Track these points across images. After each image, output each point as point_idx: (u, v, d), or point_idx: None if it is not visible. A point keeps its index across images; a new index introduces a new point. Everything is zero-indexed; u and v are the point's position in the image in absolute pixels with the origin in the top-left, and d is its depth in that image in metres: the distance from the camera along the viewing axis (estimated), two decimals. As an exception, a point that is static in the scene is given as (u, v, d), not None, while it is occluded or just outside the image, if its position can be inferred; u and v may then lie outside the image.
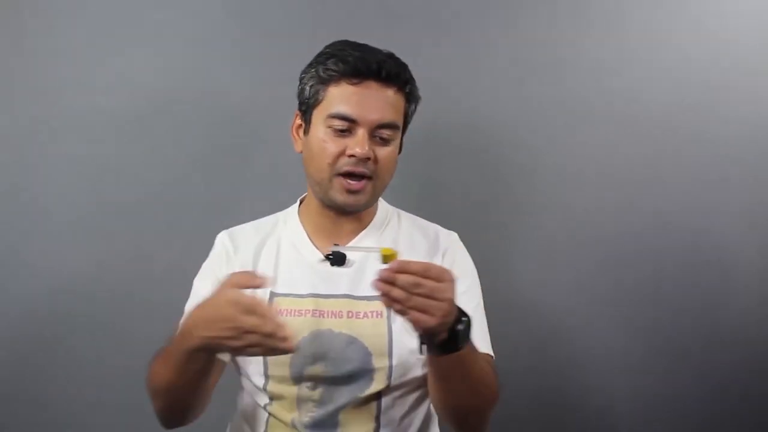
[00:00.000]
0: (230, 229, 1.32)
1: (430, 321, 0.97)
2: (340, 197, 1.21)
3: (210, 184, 1.68)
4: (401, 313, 0.98)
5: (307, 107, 1.24)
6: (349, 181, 1.19)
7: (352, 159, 1.18)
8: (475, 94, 1.69)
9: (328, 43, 1.25)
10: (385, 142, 1.21)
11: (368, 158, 1.18)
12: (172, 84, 1.68)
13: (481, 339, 1.21)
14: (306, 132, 1.25)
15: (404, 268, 0.96)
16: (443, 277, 0.98)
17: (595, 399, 1.72)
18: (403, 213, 1.35)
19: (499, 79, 1.69)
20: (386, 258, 1.01)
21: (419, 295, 0.96)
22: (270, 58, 1.67)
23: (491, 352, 1.24)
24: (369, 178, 1.20)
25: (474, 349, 1.10)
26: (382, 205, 1.34)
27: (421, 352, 1.07)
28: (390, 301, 0.97)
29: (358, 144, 1.18)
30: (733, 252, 1.71)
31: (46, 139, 1.67)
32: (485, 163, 1.70)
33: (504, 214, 1.70)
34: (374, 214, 1.31)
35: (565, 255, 1.70)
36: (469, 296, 1.24)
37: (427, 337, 1.02)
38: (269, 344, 0.95)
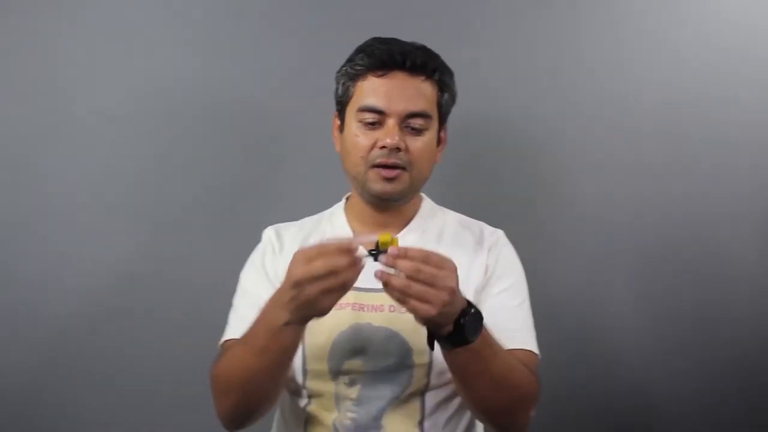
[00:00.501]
0: (276, 225, 1.33)
1: (429, 310, 0.96)
2: (376, 186, 1.20)
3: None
4: (401, 302, 0.97)
5: (341, 106, 1.26)
6: (382, 170, 1.19)
7: (384, 150, 1.19)
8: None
9: (357, 43, 1.26)
10: (417, 132, 1.20)
11: (398, 148, 1.18)
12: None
13: (524, 336, 1.20)
14: (342, 130, 1.26)
15: (405, 254, 0.96)
16: (443, 265, 0.97)
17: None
18: (447, 210, 1.34)
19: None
20: (384, 245, 0.99)
21: (419, 281, 0.95)
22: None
23: (536, 350, 1.21)
24: (403, 169, 1.19)
25: (492, 344, 1.07)
26: (427, 202, 1.33)
27: (431, 347, 1.07)
28: (390, 289, 0.97)
29: (388, 135, 1.18)
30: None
31: (55, 140, 1.68)
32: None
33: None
34: (418, 210, 1.29)
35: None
36: (512, 293, 1.23)
37: (433, 329, 1.02)
38: (350, 274, 0.96)
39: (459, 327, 1.01)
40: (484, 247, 1.27)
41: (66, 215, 1.67)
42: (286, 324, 1.01)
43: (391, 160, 1.18)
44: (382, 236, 1.00)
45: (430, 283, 0.95)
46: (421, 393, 1.20)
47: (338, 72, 1.26)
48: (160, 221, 1.69)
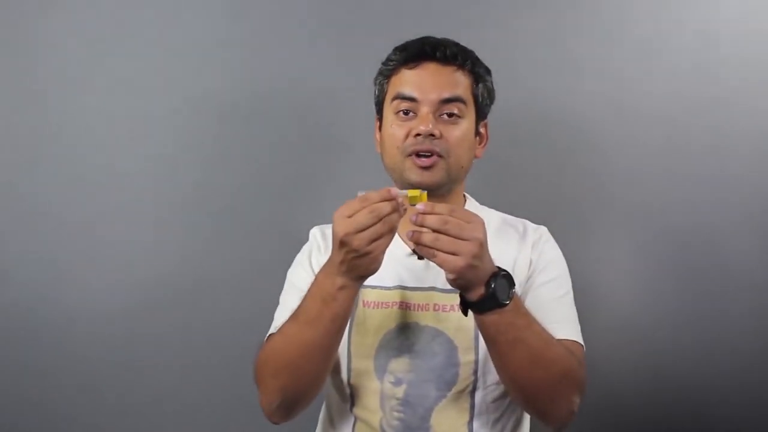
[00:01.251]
0: (320, 226, 1.34)
1: (458, 261, 0.98)
2: (413, 176, 1.19)
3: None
4: (430, 255, 0.99)
5: (379, 106, 1.27)
6: (417, 159, 1.19)
7: (418, 138, 1.18)
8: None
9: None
10: (452, 119, 1.20)
11: (433, 135, 1.18)
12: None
13: (569, 327, 1.20)
14: (381, 129, 1.27)
15: (432, 210, 0.99)
16: (470, 218, 1.00)
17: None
18: (491, 209, 1.34)
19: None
20: (413, 199, 1.02)
21: (446, 234, 0.98)
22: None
23: (580, 340, 1.20)
24: (439, 156, 1.19)
25: (526, 314, 1.07)
26: (471, 201, 1.33)
27: (465, 313, 1.07)
28: (420, 246, 0.99)
29: (422, 122, 1.18)
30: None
31: (52, 140, 1.69)
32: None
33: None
34: (462, 207, 1.28)
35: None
36: (555, 285, 1.23)
37: (465, 292, 1.03)
38: (394, 218, 0.99)
39: (489, 289, 1.02)
40: (528, 242, 1.26)
41: (65, 215, 1.69)
42: (341, 288, 1.03)
43: (426, 147, 1.18)
44: (411, 191, 1.02)
45: (456, 235, 0.98)
46: (469, 392, 1.19)
47: (377, 74, 1.28)
48: (164, 221, 1.70)
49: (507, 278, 1.04)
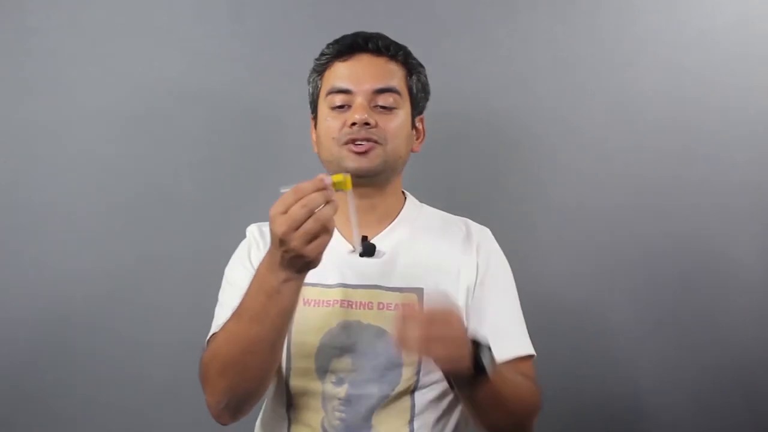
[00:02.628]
0: (258, 223, 1.31)
1: (458, 350, 0.99)
2: (350, 162, 1.19)
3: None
4: (425, 353, 0.99)
5: (314, 104, 1.26)
6: (354, 146, 1.18)
7: (354, 127, 1.18)
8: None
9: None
10: (387, 110, 1.21)
11: (368, 123, 1.17)
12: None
13: (521, 339, 1.21)
14: (316, 126, 1.26)
15: (410, 310, 1.01)
16: (449, 306, 1.03)
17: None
18: (430, 207, 1.33)
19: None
20: (337, 185, 1.00)
21: (436, 324, 0.98)
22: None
23: (532, 350, 1.21)
24: (376, 142, 1.18)
25: (500, 371, 1.07)
26: (411, 198, 1.32)
27: (453, 389, 1.09)
28: (413, 344, 0.98)
29: (356, 111, 1.18)
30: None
31: (55, 138, 1.68)
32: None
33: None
34: (402, 205, 1.29)
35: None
36: (506, 294, 1.24)
37: (455, 374, 1.04)
38: (327, 211, 0.96)
39: (480, 364, 1.02)
40: (473, 244, 1.25)
41: (64, 215, 1.67)
42: (285, 281, 1.00)
43: (362, 135, 1.17)
44: (335, 176, 1.00)
45: (446, 321, 0.99)
46: (411, 392, 1.18)
47: (309, 74, 1.27)
48: (156, 220, 1.68)
49: (488, 348, 1.04)
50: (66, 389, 1.66)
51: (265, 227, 1.28)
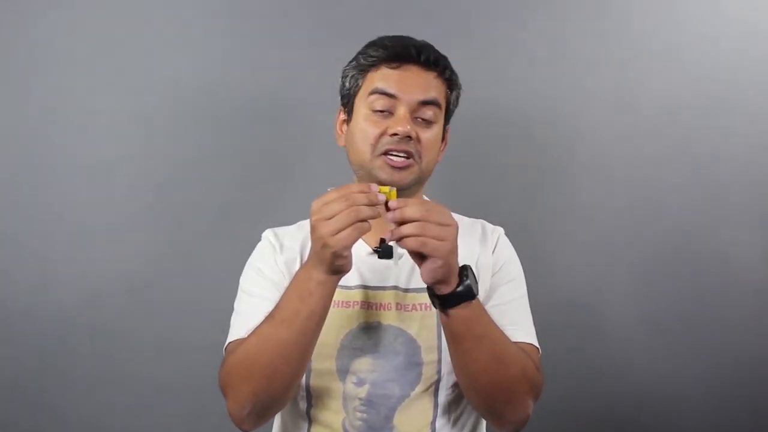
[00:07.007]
0: (273, 228, 1.30)
1: (446, 246, 1.00)
2: (384, 174, 1.16)
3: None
4: (418, 245, 0.99)
5: (348, 98, 1.23)
6: (391, 157, 1.17)
7: (394, 138, 1.16)
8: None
9: (357, 41, 1.26)
10: (427, 123, 1.19)
11: (410, 137, 1.16)
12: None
13: (526, 331, 1.21)
14: (348, 122, 1.23)
15: (406, 204, 1.00)
16: (439, 206, 1.03)
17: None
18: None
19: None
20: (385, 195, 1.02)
21: (429, 221, 0.99)
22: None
23: (536, 344, 1.21)
24: (412, 158, 1.17)
25: (488, 315, 1.09)
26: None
27: (435, 305, 1.07)
28: (406, 239, 0.99)
29: (400, 122, 1.16)
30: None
31: (59, 138, 1.68)
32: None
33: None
34: None
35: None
36: (512, 287, 1.24)
37: (437, 287, 1.03)
38: (368, 210, 0.98)
39: (464, 280, 1.03)
40: (488, 244, 1.27)
41: (64, 215, 1.67)
42: (318, 284, 1.02)
43: (401, 147, 1.15)
44: (381, 187, 1.02)
45: (438, 221, 1.00)
46: (433, 391, 1.19)
47: (347, 66, 1.24)
48: (160, 222, 1.68)
49: (473, 272, 1.06)
50: (66, 389, 1.67)
51: (283, 231, 1.30)
